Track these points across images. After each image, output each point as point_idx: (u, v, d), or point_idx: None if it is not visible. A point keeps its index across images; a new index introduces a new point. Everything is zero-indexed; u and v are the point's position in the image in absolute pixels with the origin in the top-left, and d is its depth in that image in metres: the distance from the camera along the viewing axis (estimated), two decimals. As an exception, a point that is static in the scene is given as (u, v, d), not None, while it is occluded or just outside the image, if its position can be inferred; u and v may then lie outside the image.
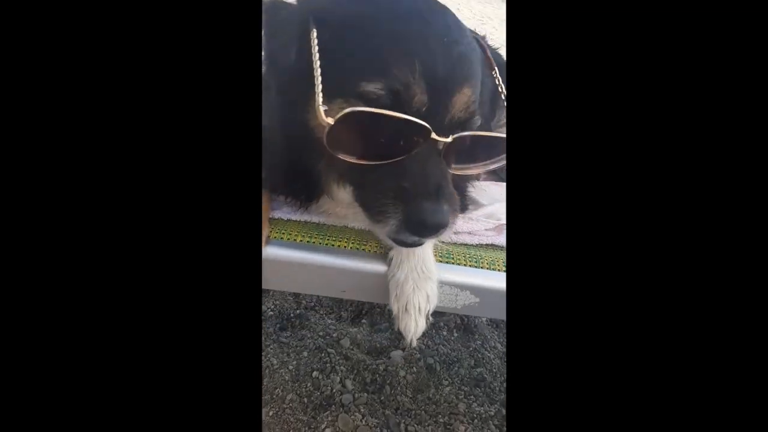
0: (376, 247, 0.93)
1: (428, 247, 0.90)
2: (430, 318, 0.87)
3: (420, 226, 0.71)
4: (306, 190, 0.92)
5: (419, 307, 0.84)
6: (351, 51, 0.74)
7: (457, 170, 0.80)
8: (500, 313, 0.96)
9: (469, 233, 1.04)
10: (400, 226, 0.72)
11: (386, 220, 0.73)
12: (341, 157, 0.73)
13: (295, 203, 0.95)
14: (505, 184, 1.41)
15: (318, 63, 0.72)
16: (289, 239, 0.91)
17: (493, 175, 1.47)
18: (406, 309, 0.83)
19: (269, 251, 0.88)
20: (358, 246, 0.92)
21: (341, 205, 0.92)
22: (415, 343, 0.86)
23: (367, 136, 0.73)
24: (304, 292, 1.01)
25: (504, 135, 0.77)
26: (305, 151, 0.82)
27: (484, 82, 0.84)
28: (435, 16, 0.78)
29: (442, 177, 0.75)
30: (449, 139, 0.74)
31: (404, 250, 0.87)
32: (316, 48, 0.72)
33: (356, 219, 0.96)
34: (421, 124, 0.70)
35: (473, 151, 0.80)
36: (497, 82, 0.89)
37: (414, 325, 0.83)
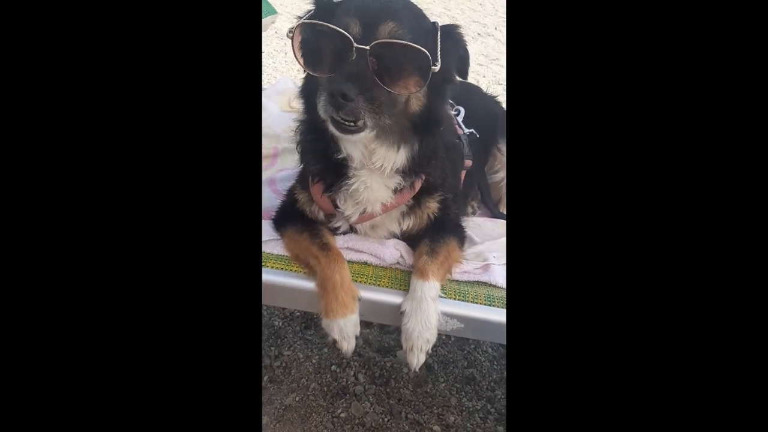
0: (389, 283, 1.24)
1: (432, 307, 1.16)
2: (429, 351, 1.17)
3: (331, 96, 0.96)
4: None
5: (421, 348, 1.15)
6: None
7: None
8: (479, 335, 1.28)
9: (463, 272, 1.34)
10: (326, 101, 0.99)
11: (318, 102, 1.01)
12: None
13: None
14: (497, 220, 1.70)
15: None
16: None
17: (487, 212, 1.76)
18: (411, 349, 1.15)
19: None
20: (373, 282, 1.23)
21: None
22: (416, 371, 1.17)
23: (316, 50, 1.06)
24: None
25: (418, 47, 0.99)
26: None
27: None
28: None
29: (360, 70, 0.98)
30: (368, 47, 0.97)
31: (414, 303, 1.16)
32: None
33: None
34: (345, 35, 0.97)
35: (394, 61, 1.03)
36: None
37: (416, 360, 1.16)
